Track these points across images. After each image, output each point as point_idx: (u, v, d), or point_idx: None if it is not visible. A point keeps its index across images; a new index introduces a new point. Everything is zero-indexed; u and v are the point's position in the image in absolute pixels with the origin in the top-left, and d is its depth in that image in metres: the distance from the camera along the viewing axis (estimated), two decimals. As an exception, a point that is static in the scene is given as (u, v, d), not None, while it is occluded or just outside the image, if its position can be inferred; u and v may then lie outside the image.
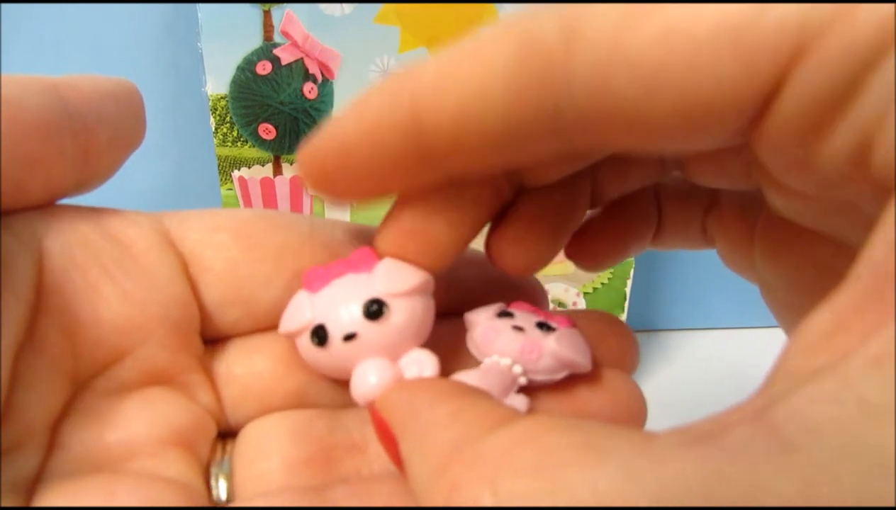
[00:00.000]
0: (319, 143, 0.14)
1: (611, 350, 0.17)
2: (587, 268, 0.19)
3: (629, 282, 0.38)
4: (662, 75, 0.10)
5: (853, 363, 0.08)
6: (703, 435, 0.09)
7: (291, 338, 0.15)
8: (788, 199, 0.13)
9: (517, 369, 0.15)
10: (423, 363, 0.15)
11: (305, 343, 0.15)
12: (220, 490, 0.15)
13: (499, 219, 0.16)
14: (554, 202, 0.16)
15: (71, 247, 0.14)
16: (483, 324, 0.16)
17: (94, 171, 0.15)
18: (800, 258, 0.16)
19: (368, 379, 0.15)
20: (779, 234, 0.16)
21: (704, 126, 0.10)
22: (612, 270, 0.37)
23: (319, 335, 0.15)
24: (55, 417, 0.13)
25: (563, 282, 0.37)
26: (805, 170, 0.11)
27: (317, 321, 0.15)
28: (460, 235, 0.15)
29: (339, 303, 0.15)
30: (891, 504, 0.08)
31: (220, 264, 0.16)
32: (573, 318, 0.17)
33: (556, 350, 0.15)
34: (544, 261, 0.17)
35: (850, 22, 0.09)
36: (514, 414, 0.11)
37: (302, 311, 0.15)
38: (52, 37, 0.36)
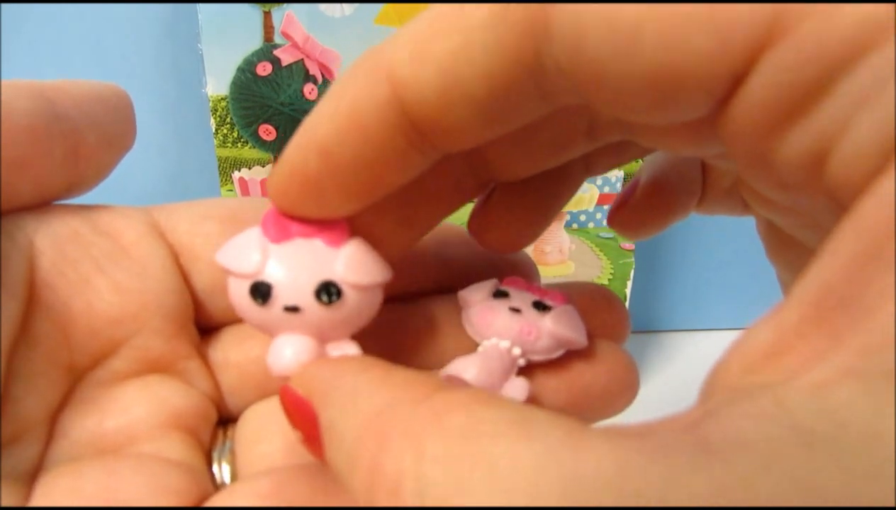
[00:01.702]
0: (293, 153, 0.13)
1: (603, 322, 0.17)
2: (628, 237, 0.18)
3: (629, 283, 0.38)
4: (638, 39, 0.10)
5: (794, 386, 0.08)
6: (631, 433, 0.09)
7: (225, 272, 0.14)
8: (762, 206, 0.13)
9: (516, 351, 0.15)
10: (347, 354, 0.14)
11: (240, 289, 0.14)
12: (224, 473, 0.15)
13: (482, 199, 0.16)
14: (543, 179, 0.16)
15: (62, 242, 0.14)
16: (479, 304, 0.16)
17: (84, 173, 0.15)
18: (795, 257, 0.16)
19: (285, 352, 0.14)
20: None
21: (674, 96, 0.10)
22: (612, 271, 0.37)
23: (261, 292, 0.14)
24: (53, 409, 0.14)
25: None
26: (764, 168, 0.11)
27: (264, 277, 0.14)
28: (409, 235, 0.15)
29: (295, 270, 0.14)
30: None
31: (211, 252, 0.16)
32: (566, 293, 0.17)
33: (553, 330, 0.15)
34: (531, 237, 0.16)
35: (826, 18, 0.09)
36: (447, 384, 0.11)
37: (249, 255, 0.14)
38: (52, 37, 0.36)
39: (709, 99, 0.10)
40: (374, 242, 0.15)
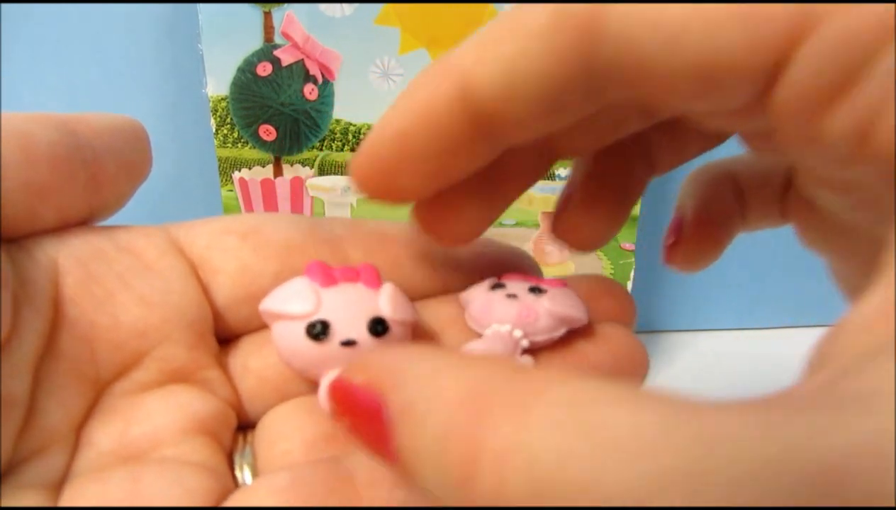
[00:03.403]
0: (373, 140, 0.14)
1: (608, 308, 0.17)
2: (688, 271, 0.19)
3: (630, 284, 0.38)
4: (681, 36, 0.11)
5: None
6: (748, 403, 0.08)
7: (274, 318, 0.15)
8: (817, 187, 0.14)
9: (518, 333, 0.15)
10: None
11: (294, 330, 0.15)
12: (246, 476, 0.15)
13: (563, 199, 0.17)
14: (612, 181, 0.17)
15: (86, 260, 0.15)
16: (478, 298, 0.16)
17: (104, 199, 0.16)
18: (848, 247, 0.16)
19: None
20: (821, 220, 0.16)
21: (718, 87, 0.11)
22: (612, 271, 0.37)
23: (321, 329, 0.15)
24: (79, 421, 0.14)
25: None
26: (813, 145, 0.11)
27: (322, 315, 0.15)
28: (489, 214, 0.16)
29: (348, 307, 0.15)
30: None
31: (230, 265, 0.16)
32: (564, 280, 0.17)
33: (551, 308, 0.16)
34: (610, 235, 0.17)
35: (852, 11, 0.10)
36: (530, 366, 0.11)
37: (304, 298, 0.15)
38: (52, 37, 0.36)
39: (750, 88, 0.11)
40: (462, 219, 0.16)
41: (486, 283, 0.17)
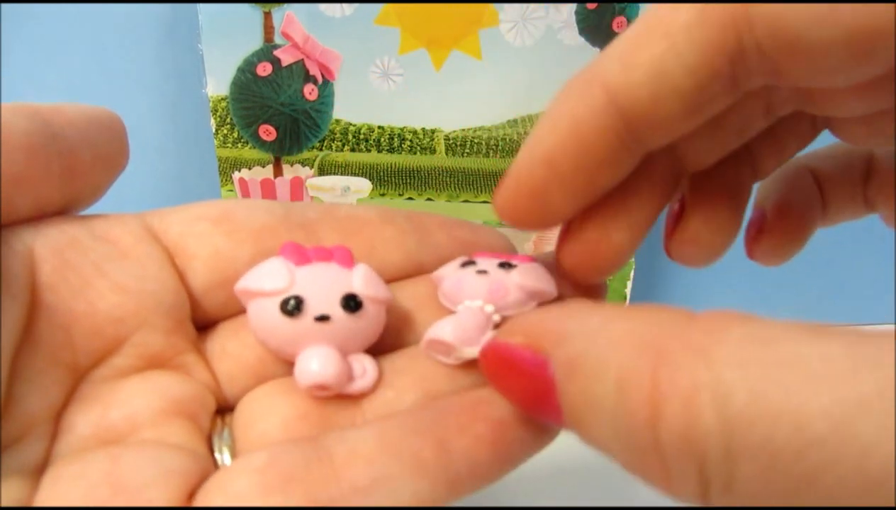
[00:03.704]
0: (521, 164, 0.15)
1: (577, 287, 0.18)
2: (771, 264, 0.19)
3: (629, 284, 0.38)
4: (834, 11, 0.11)
5: None
6: None
7: (249, 296, 0.16)
8: None
9: (489, 308, 0.16)
10: (365, 366, 0.16)
11: (268, 307, 0.15)
12: (225, 458, 0.15)
13: (673, 219, 0.17)
14: (722, 190, 0.17)
15: (62, 248, 0.15)
16: (450, 276, 0.17)
17: (80, 190, 0.16)
18: None
19: (312, 363, 0.15)
20: None
21: (870, 54, 0.11)
22: (612, 272, 0.37)
23: (294, 305, 0.15)
24: (57, 407, 0.14)
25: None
26: None
27: (296, 291, 0.15)
28: (635, 236, 0.16)
29: (322, 283, 0.15)
30: None
31: (204, 250, 0.17)
32: (535, 256, 0.17)
33: (521, 283, 0.16)
34: (726, 247, 0.17)
35: None
36: (691, 311, 0.11)
37: (278, 275, 0.15)
38: (52, 37, 0.36)
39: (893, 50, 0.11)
40: (612, 248, 0.16)
41: (458, 261, 0.17)
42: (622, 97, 0.13)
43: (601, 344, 0.11)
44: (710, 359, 0.09)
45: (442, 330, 0.16)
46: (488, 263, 0.17)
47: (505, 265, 0.16)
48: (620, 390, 0.10)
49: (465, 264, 0.17)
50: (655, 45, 0.13)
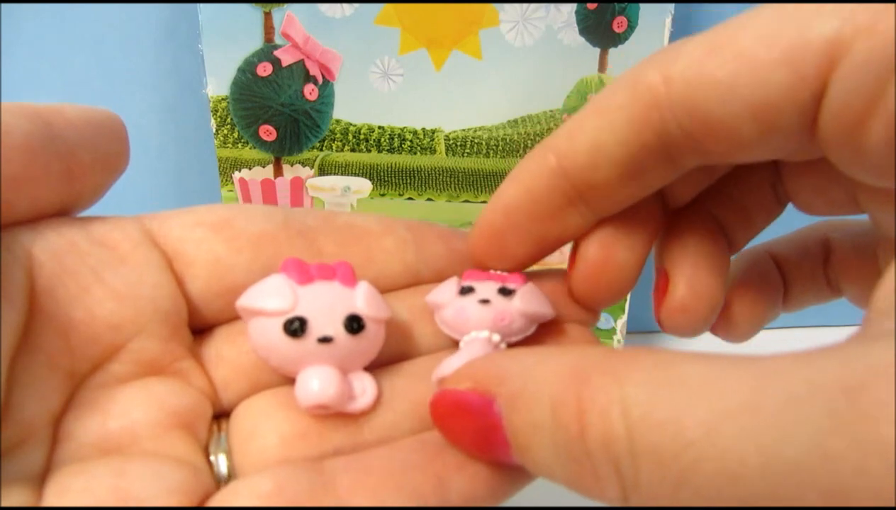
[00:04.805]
0: (486, 212, 0.17)
1: (570, 306, 0.18)
2: (733, 342, 0.21)
3: (628, 297, 0.38)
4: (736, 88, 0.13)
5: None
6: (817, 351, 0.10)
7: (250, 315, 0.16)
8: (886, 210, 0.15)
9: (496, 338, 0.16)
10: (365, 385, 0.16)
11: (271, 326, 0.15)
12: (221, 465, 0.15)
13: (659, 292, 0.19)
14: (702, 261, 0.18)
15: (60, 253, 0.15)
16: (451, 305, 0.17)
17: (79, 191, 0.16)
18: None
19: (312, 383, 0.15)
20: None
21: (773, 125, 0.13)
22: (612, 272, 0.37)
23: (298, 326, 0.15)
24: (56, 414, 0.14)
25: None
26: (861, 159, 0.13)
27: (299, 312, 0.15)
28: (639, 257, 0.18)
29: (324, 304, 0.15)
30: None
31: (203, 257, 0.17)
32: (524, 275, 0.18)
33: (524, 310, 0.17)
34: (712, 315, 0.18)
35: (871, 36, 0.11)
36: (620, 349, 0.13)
37: (282, 295, 0.15)
38: (52, 37, 0.36)
39: (799, 120, 0.13)
40: (619, 269, 0.18)
41: (453, 285, 0.17)
42: (567, 162, 0.16)
43: (537, 378, 0.13)
44: (620, 380, 0.11)
45: (454, 365, 0.16)
46: (487, 289, 0.17)
47: (504, 291, 0.17)
48: (554, 413, 0.12)
49: (463, 291, 0.17)
50: (595, 120, 0.15)
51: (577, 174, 0.16)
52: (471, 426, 0.14)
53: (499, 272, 0.18)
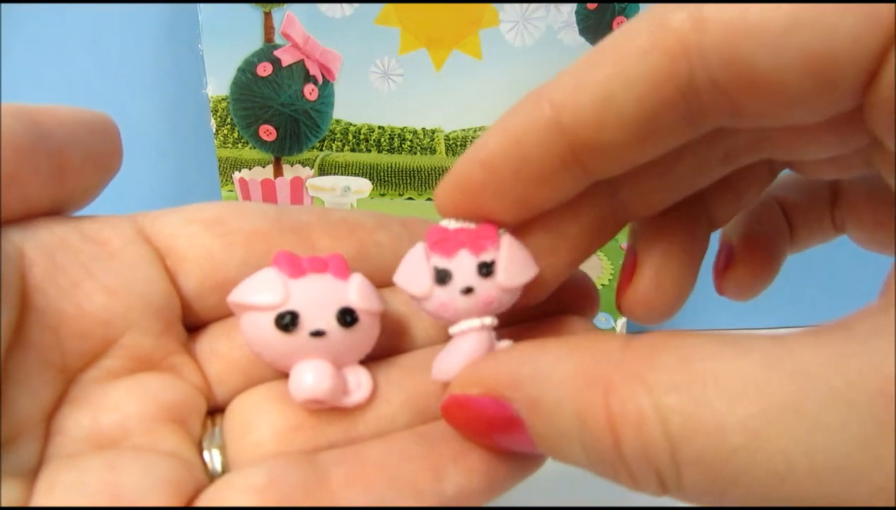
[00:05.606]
0: (462, 163, 0.15)
1: (571, 299, 0.18)
2: (741, 299, 0.20)
3: (629, 284, 0.38)
4: (792, 33, 0.11)
5: None
6: (832, 328, 0.10)
7: (242, 310, 0.15)
8: None
9: (488, 321, 0.16)
10: (360, 379, 0.16)
11: (263, 321, 0.15)
12: (215, 461, 0.15)
13: (626, 274, 0.17)
14: (677, 244, 0.17)
15: (51, 250, 0.15)
16: (432, 299, 0.16)
17: (70, 191, 0.16)
18: None
19: (306, 378, 0.15)
20: None
21: (830, 81, 0.11)
22: (612, 272, 0.37)
23: (290, 320, 0.15)
24: (48, 409, 0.14)
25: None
26: None
27: (291, 306, 0.15)
28: (558, 264, 0.16)
29: (317, 297, 0.15)
30: None
31: (195, 252, 0.16)
32: (494, 224, 0.16)
33: (506, 285, 0.16)
34: (676, 306, 0.17)
35: None
36: (626, 335, 0.12)
37: (273, 289, 0.15)
38: (52, 37, 0.36)
39: (859, 80, 0.11)
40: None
41: (423, 263, 0.16)
42: (567, 116, 0.13)
43: (555, 383, 0.12)
44: (648, 385, 0.11)
45: (447, 364, 0.15)
46: (466, 271, 0.16)
47: (483, 267, 0.15)
48: (582, 422, 0.12)
49: (439, 276, 0.16)
50: (605, 69, 0.12)
51: (578, 132, 0.13)
52: (489, 427, 0.14)
53: (465, 224, 0.16)
